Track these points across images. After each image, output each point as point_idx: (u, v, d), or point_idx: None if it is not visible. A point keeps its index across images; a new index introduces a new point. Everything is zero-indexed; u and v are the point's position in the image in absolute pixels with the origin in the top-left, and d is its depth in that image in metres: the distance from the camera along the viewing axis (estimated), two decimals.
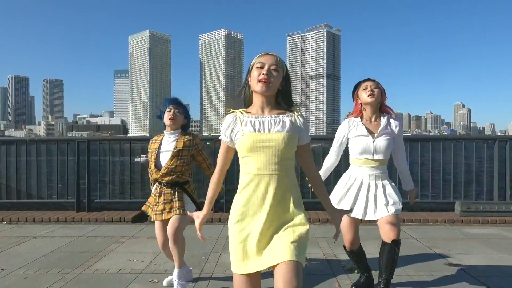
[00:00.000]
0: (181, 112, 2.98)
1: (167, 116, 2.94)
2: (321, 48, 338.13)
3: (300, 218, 1.72)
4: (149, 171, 3.04)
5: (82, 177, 5.89)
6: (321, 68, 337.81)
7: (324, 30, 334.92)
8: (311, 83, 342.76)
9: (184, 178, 2.98)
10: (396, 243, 2.61)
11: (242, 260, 1.69)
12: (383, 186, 2.70)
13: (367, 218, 2.69)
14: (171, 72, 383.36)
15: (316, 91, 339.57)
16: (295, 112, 1.80)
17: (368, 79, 2.78)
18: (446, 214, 5.59)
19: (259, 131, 1.72)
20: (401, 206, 2.67)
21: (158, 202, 2.97)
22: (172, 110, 2.94)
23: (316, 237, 4.56)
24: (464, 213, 5.49)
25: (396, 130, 2.71)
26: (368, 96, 2.68)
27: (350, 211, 2.24)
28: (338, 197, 2.80)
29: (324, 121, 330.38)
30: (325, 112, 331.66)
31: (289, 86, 1.82)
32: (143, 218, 5.66)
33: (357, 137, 2.72)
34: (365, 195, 2.70)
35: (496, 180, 5.79)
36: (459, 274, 3.33)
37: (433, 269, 3.48)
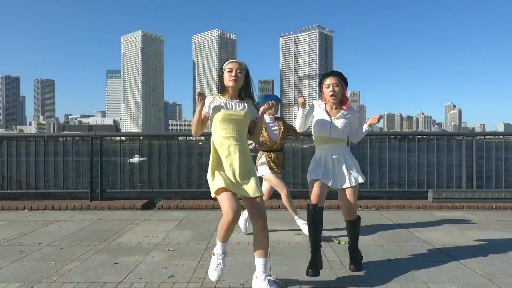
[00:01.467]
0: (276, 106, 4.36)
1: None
2: (314, 49, 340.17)
3: (253, 168, 2.85)
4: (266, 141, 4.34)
5: (95, 170, 6.51)
6: (314, 69, 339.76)
7: (317, 31, 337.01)
8: (303, 83, 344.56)
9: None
10: (357, 219, 3.34)
11: (219, 184, 2.65)
12: (344, 160, 3.21)
13: (334, 187, 3.18)
14: (164, 72, 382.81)
15: (309, 91, 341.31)
16: (250, 100, 2.88)
17: (331, 75, 3.22)
18: (420, 201, 6.32)
19: (229, 108, 2.77)
20: (360, 178, 3.22)
21: (278, 163, 4.40)
22: (274, 106, 4.21)
23: (303, 218, 5.25)
24: (435, 200, 6.23)
25: (352, 116, 3.27)
26: (331, 96, 3.19)
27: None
28: (310, 170, 3.32)
29: None
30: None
31: (249, 81, 2.85)
32: (151, 206, 6.32)
33: (318, 118, 3.26)
34: (331, 167, 3.19)
35: (464, 171, 6.55)
36: (421, 243, 4.04)
37: (401, 239, 4.20)
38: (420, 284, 2.93)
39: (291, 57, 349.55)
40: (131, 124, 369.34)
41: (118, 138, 7.46)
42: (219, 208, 6.14)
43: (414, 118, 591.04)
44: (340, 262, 3.45)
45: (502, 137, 7.07)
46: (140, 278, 3.07)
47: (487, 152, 6.62)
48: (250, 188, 2.69)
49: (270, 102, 3.12)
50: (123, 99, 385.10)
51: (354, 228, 3.34)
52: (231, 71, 2.75)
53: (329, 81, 3.19)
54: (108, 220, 5.31)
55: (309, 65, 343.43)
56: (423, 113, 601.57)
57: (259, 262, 2.73)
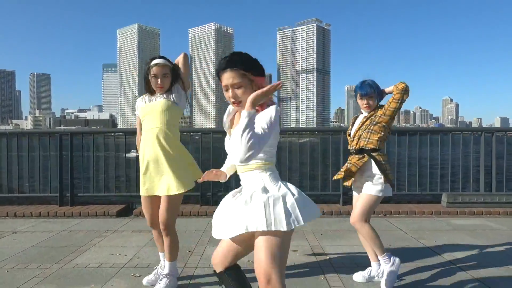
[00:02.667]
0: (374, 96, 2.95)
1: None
2: (311, 43, 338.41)
3: (175, 161, 2.71)
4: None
5: (65, 171, 5.74)
6: (311, 63, 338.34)
7: (314, 24, 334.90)
8: (301, 77, 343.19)
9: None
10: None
11: (141, 190, 2.79)
12: (253, 199, 1.75)
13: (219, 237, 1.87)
14: None
15: (306, 85, 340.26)
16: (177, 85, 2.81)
17: (226, 68, 1.76)
18: (433, 205, 5.59)
19: (150, 102, 2.78)
20: (264, 225, 1.67)
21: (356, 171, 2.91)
22: (366, 100, 2.92)
23: (303, 229, 4.51)
24: (450, 204, 5.49)
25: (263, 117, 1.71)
26: (232, 103, 1.82)
27: None
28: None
29: (314, 115, 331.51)
30: (315, 106, 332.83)
31: (177, 75, 2.79)
32: (128, 212, 5.57)
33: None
34: (228, 208, 1.88)
35: (482, 171, 5.81)
36: (447, 266, 3.31)
37: (420, 261, 3.46)
38: None
39: (288, 51, 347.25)
40: (128, 118, 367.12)
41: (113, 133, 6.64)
42: (206, 215, 5.41)
43: (412, 112, 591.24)
44: None
45: None
46: None
47: (507, 153, 5.88)
48: (160, 185, 2.70)
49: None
50: (119, 94, 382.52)
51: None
52: (156, 77, 2.68)
53: (224, 80, 1.78)
54: (73, 231, 4.55)
55: (306, 58, 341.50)
56: (420, 107, 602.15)
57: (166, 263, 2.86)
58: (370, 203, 2.83)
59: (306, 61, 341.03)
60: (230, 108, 1.95)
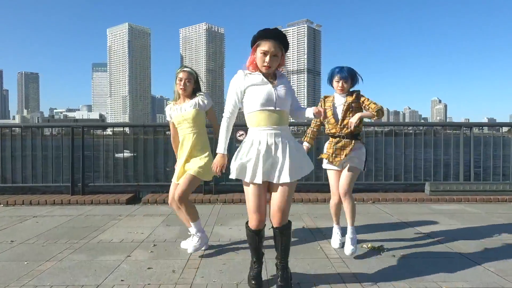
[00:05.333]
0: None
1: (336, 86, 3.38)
2: (302, 43, 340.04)
3: (198, 154, 3.30)
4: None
5: (76, 162, 6.13)
6: (302, 63, 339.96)
7: (305, 25, 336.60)
8: (292, 78, 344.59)
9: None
10: (283, 227, 2.49)
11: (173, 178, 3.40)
12: (289, 148, 2.45)
13: (268, 179, 2.45)
14: (151, 66, 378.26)
15: (297, 86, 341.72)
16: (201, 94, 3.34)
17: (273, 38, 2.36)
18: (417, 194, 6.11)
19: (179, 113, 3.32)
20: (306, 169, 2.55)
21: (336, 152, 3.36)
22: (341, 82, 3.33)
23: (299, 213, 4.99)
24: (433, 192, 6.03)
25: (290, 83, 2.59)
26: (264, 66, 2.41)
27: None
28: (236, 166, 2.47)
29: None
30: (306, 106, 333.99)
31: (198, 84, 3.36)
32: (136, 200, 5.98)
33: (255, 86, 2.43)
34: (263, 157, 2.41)
35: (462, 163, 6.36)
36: (424, 239, 3.81)
37: (402, 234, 3.96)
38: (430, 283, 2.68)
39: None
40: (118, 118, 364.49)
41: (103, 132, 7.08)
42: (209, 203, 5.84)
43: (401, 112, 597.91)
44: (341, 259, 3.19)
45: (500, 131, 6.85)
46: (122, 280, 2.75)
47: (484, 146, 6.44)
48: (180, 174, 3.30)
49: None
50: (109, 93, 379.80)
51: (283, 237, 2.51)
52: (180, 80, 3.28)
53: (267, 47, 2.36)
54: (89, 215, 4.96)
55: (297, 59, 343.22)
56: (409, 108, 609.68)
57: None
58: (355, 176, 3.38)
59: (297, 61, 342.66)
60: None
